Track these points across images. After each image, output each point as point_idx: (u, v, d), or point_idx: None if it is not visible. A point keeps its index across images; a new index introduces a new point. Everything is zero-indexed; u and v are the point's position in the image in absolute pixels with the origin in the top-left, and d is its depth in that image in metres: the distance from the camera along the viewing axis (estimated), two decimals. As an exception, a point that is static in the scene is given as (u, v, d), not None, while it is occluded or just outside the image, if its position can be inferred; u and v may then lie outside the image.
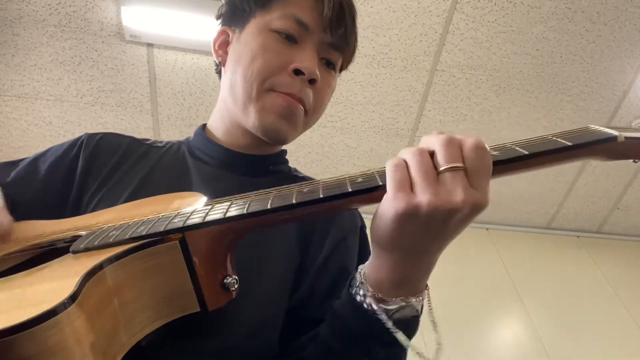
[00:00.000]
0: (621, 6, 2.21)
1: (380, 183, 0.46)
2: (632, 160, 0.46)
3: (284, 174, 0.79)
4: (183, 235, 0.49)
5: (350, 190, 0.47)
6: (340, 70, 0.77)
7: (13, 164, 0.76)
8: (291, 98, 0.67)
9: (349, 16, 0.70)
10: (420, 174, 0.44)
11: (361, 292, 0.51)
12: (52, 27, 2.16)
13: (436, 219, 0.43)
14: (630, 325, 2.47)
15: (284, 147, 0.81)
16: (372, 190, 0.46)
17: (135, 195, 0.69)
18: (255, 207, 0.49)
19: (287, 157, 0.82)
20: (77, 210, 0.71)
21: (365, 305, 0.51)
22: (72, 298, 0.40)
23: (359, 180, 0.48)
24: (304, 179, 0.79)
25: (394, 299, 0.50)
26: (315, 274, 0.68)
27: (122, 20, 2.13)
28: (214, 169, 0.74)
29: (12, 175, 0.74)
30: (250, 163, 0.75)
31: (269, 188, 0.56)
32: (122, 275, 0.47)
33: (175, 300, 0.50)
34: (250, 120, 0.69)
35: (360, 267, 0.53)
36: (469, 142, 0.44)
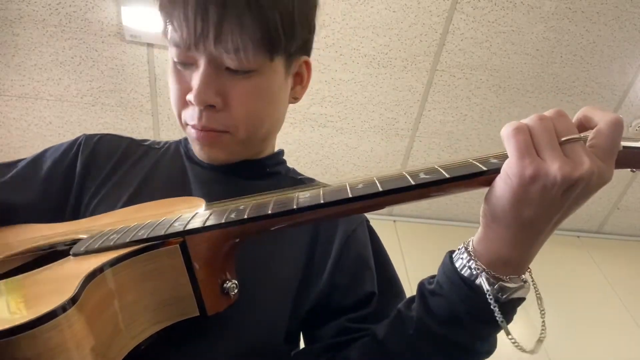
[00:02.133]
0: (621, 6, 2.21)
1: (381, 189, 0.46)
2: (629, 169, 0.46)
3: (281, 176, 0.78)
4: (183, 239, 0.49)
5: (350, 196, 0.47)
6: (293, 52, 0.66)
7: (10, 165, 0.76)
8: (198, 130, 0.65)
9: (219, 13, 0.56)
10: (547, 140, 0.42)
11: (473, 266, 0.49)
12: (52, 27, 2.16)
13: (562, 188, 0.42)
14: (630, 325, 2.47)
15: (280, 147, 0.81)
16: (372, 197, 0.46)
17: (134, 197, 0.70)
18: (255, 212, 0.49)
19: (287, 157, 0.81)
20: (76, 212, 0.71)
21: (478, 281, 0.48)
22: (73, 300, 0.40)
23: (360, 186, 0.48)
24: (302, 180, 0.79)
25: (509, 277, 0.48)
26: (332, 267, 0.68)
27: (122, 20, 2.13)
28: (211, 172, 0.73)
29: (11, 177, 0.73)
30: (246, 166, 0.74)
31: (267, 190, 0.56)
32: (123, 278, 0.47)
33: (175, 304, 0.50)
34: None
35: (466, 242, 0.51)
36: (601, 116, 0.44)
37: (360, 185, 0.48)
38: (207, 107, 0.62)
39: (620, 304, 2.59)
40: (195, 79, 0.61)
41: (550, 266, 2.75)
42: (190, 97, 0.62)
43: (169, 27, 0.60)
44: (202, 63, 0.60)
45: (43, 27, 2.15)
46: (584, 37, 2.30)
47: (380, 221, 2.85)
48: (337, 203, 0.47)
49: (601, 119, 0.44)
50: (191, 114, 0.64)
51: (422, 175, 0.46)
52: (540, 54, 2.35)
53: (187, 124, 0.66)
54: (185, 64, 0.62)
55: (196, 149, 0.69)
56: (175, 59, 0.62)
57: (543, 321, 0.50)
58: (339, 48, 2.26)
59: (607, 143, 0.43)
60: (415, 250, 2.66)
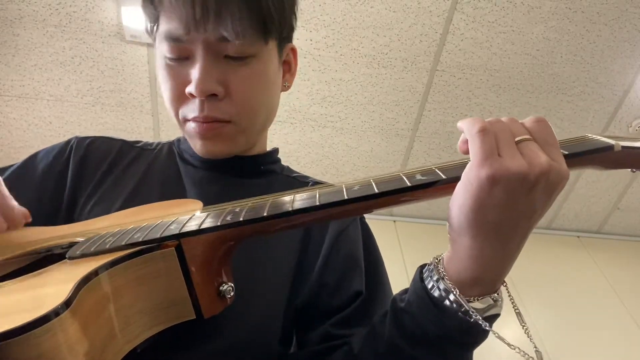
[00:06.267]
0: (621, 6, 2.20)
1: (377, 191, 0.46)
2: (629, 169, 0.46)
3: (276, 174, 0.78)
4: (179, 242, 0.49)
5: (346, 197, 0.46)
6: (284, 38, 0.67)
7: (0, 171, 0.75)
8: (200, 122, 0.64)
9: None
10: (508, 140, 0.43)
11: (442, 287, 0.47)
12: (52, 27, 2.16)
13: (525, 187, 0.42)
14: (630, 325, 2.47)
15: (280, 147, 0.80)
16: (368, 199, 0.46)
17: (129, 200, 0.69)
18: (251, 215, 0.49)
19: (287, 157, 0.81)
20: (70, 216, 0.71)
21: (447, 303, 0.47)
22: (66, 304, 0.40)
23: (356, 188, 0.48)
24: (297, 178, 0.78)
25: (479, 297, 0.47)
26: (321, 267, 0.68)
27: (122, 20, 2.13)
28: (205, 172, 0.73)
29: (2, 181, 0.73)
30: (240, 165, 0.74)
31: (262, 189, 0.56)
32: (118, 281, 0.47)
33: (171, 307, 0.50)
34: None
35: (437, 257, 0.50)
36: (528, 118, 0.46)
37: (356, 187, 0.47)
38: (208, 97, 0.62)
39: (620, 304, 2.58)
40: (195, 69, 0.60)
41: (550, 266, 2.76)
42: (190, 88, 0.61)
43: (161, 20, 0.61)
44: (199, 53, 0.60)
45: (43, 27, 2.15)
46: (584, 37, 2.30)
47: (380, 221, 2.85)
48: (333, 205, 0.47)
49: (525, 121, 0.45)
50: (192, 107, 0.63)
51: (418, 177, 0.46)
52: (540, 54, 2.35)
53: (186, 120, 0.65)
54: (179, 58, 0.61)
55: (197, 144, 0.67)
56: (169, 55, 0.61)
57: (529, 337, 0.50)
58: (339, 48, 2.26)
59: (545, 137, 0.44)
60: (415, 250, 2.65)
